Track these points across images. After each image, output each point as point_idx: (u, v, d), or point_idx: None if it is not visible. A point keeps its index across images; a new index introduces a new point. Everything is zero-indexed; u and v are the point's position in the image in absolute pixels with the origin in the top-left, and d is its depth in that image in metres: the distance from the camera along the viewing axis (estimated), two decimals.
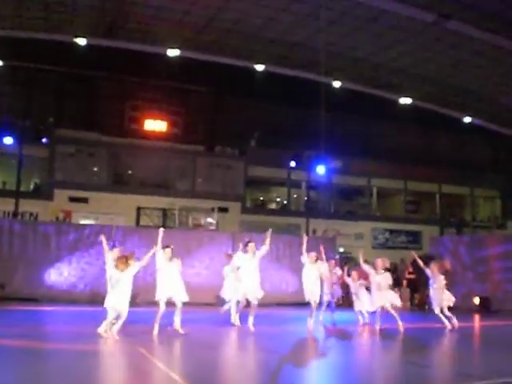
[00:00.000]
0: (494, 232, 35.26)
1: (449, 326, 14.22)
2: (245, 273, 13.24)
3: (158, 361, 9.56)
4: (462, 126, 32.68)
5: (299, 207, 34.34)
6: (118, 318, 11.64)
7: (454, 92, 28.81)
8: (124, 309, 11.63)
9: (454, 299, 14.64)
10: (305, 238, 14.03)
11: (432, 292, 14.81)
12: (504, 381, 8.23)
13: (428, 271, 14.91)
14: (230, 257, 15.25)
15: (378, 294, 13.91)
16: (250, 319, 13.03)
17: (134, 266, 12.11)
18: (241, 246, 14.31)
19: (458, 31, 22.20)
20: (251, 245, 13.42)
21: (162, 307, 12.39)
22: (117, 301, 11.66)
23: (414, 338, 13.61)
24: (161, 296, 12.49)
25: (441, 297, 14.55)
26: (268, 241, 13.26)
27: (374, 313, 14.40)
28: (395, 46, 24.72)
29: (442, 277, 14.74)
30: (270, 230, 13.63)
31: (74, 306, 19.38)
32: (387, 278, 14.12)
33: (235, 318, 14.32)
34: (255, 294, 13.08)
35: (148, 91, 32.20)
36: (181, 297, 12.77)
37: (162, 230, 13.32)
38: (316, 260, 14.11)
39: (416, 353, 11.06)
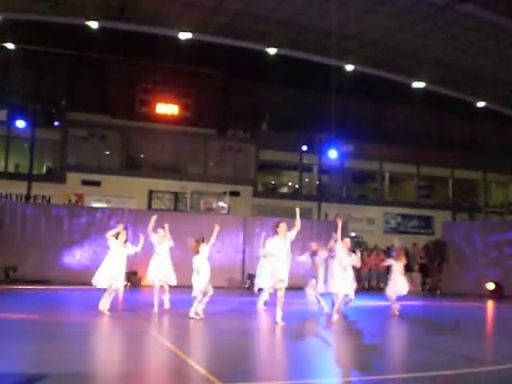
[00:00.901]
0: (506, 217, 35.05)
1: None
2: (277, 258, 11.87)
3: (170, 344, 9.58)
4: (476, 110, 32.43)
5: (311, 191, 34.26)
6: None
7: (467, 76, 28.55)
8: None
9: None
10: (339, 222, 13.06)
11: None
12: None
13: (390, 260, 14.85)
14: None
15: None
16: (279, 312, 11.74)
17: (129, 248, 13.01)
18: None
19: (472, 14, 21.93)
20: (282, 225, 12.00)
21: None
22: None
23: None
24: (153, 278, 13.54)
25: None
26: (298, 221, 12.03)
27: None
28: (407, 28, 24.47)
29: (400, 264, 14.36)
30: (298, 209, 12.48)
31: (86, 287, 19.50)
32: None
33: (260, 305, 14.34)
34: (284, 283, 11.82)
35: (159, 74, 32.09)
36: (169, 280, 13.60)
37: (155, 217, 13.88)
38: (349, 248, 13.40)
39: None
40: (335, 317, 12.62)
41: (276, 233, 12.03)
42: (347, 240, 13.43)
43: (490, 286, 22.42)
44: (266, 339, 11.09)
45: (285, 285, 11.78)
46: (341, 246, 12.93)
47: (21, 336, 9.42)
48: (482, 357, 9.32)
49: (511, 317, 16.55)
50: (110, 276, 12.30)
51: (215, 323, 12.22)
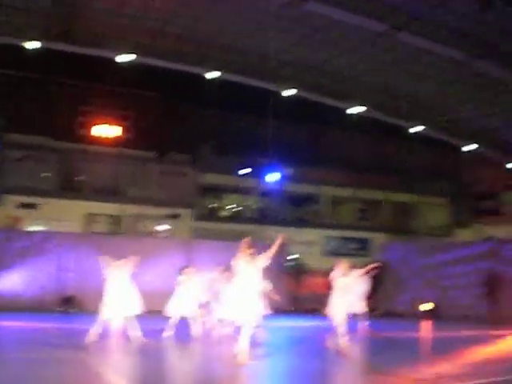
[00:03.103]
0: (442, 239, 35.96)
1: None
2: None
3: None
4: (410, 135, 33.30)
5: (251, 214, 34.42)
6: None
7: (403, 102, 29.28)
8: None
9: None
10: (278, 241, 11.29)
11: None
12: None
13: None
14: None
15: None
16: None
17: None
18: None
19: (409, 42, 22.57)
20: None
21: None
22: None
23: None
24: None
25: None
26: (273, 248, 10.91)
27: None
28: (345, 54, 25.00)
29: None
30: (282, 235, 11.38)
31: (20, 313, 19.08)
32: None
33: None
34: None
35: (99, 96, 31.82)
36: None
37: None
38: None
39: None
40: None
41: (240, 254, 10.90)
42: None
43: (426, 306, 22.96)
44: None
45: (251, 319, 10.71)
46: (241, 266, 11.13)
47: None
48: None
49: (443, 337, 16.97)
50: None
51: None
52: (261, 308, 10.88)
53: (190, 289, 14.34)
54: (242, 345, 10.22)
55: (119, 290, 12.89)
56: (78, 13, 22.10)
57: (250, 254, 10.67)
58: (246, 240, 10.96)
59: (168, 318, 14.16)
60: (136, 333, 12.89)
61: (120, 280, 13.04)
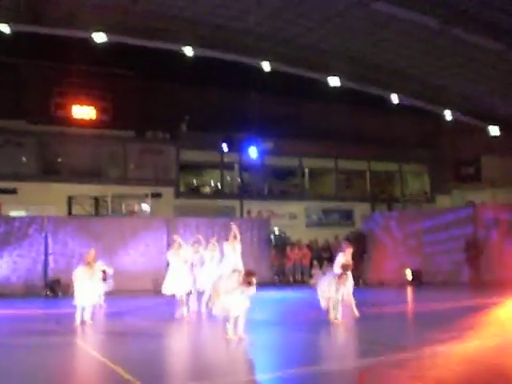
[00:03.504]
0: (423, 206, 36.30)
1: None
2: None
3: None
4: (389, 104, 33.35)
5: (233, 190, 34.45)
6: None
7: (380, 71, 29.22)
8: None
9: None
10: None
11: None
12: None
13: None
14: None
15: None
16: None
17: None
18: None
19: (384, 11, 22.48)
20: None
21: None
22: None
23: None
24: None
25: None
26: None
27: None
28: (320, 26, 24.85)
29: None
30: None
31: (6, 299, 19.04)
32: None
33: None
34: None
35: (75, 77, 31.45)
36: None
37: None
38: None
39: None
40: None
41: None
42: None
43: (409, 273, 23.24)
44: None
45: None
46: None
47: None
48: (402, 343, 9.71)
49: (428, 302, 17.16)
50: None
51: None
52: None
53: (179, 265, 14.20)
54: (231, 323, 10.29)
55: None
56: None
57: (235, 242, 10.99)
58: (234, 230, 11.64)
59: (157, 297, 14.17)
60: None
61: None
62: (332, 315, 12.23)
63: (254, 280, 10.20)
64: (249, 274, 10.33)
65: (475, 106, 32.09)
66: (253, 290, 10.20)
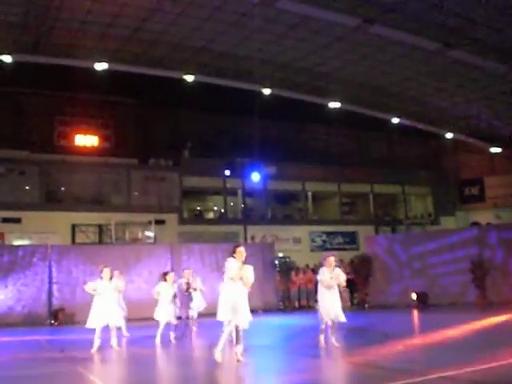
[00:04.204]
0: (427, 228, 36.18)
1: None
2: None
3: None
4: (391, 126, 33.45)
5: (236, 215, 34.43)
6: None
7: (381, 94, 29.40)
8: None
9: None
10: None
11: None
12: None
13: None
14: None
15: None
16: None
17: None
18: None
19: (381, 35, 22.65)
20: (240, 250, 10.43)
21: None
22: None
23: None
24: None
25: None
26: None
27: None
28: (319, 51, 25.03)
29: None
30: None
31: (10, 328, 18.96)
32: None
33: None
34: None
35: (76, 106, 31.69)
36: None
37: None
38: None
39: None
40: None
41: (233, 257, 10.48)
42: None
43: (414, 296, 23.05)
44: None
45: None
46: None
47: None
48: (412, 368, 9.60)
49: (434, 325, 17.02)
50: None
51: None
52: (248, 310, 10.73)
53: (169, 294, 13.91)
54: (222, 343, 10.14)
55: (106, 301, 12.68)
56: (48, 24, 21.89)
57: (243, 261, 10.55)
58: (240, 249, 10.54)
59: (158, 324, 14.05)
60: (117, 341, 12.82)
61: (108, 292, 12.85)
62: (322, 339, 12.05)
63: (242, 250, 10.28)
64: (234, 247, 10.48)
65: (476, 126, 32.19)
66: (250, 270, 10.27)
